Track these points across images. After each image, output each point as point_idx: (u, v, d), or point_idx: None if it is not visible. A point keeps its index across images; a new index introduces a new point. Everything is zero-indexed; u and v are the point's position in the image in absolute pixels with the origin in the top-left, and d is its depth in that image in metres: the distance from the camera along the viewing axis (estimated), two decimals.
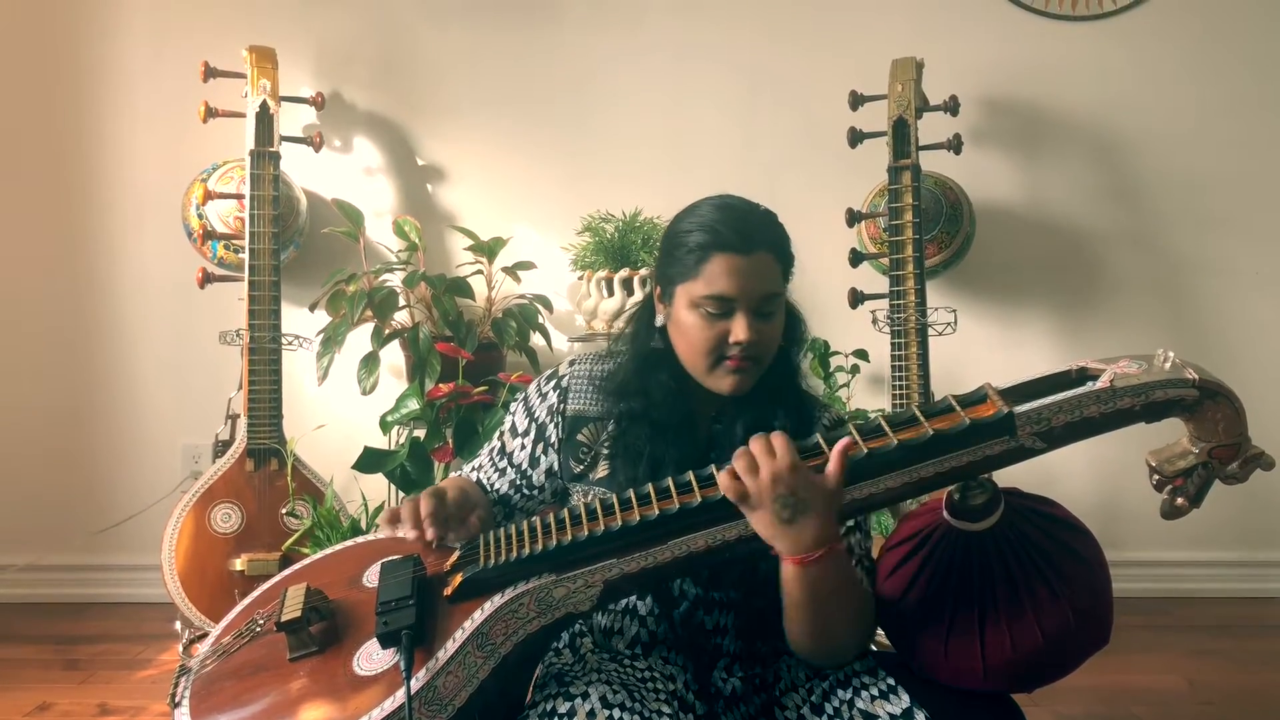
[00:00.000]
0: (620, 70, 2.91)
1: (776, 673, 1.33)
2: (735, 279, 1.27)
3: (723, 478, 1.13)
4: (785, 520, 1.11)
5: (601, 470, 1.39)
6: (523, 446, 1.46)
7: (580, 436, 1.42)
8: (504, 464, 1.47)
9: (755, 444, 1.14)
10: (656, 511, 1.16)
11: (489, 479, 1.49)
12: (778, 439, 1.13)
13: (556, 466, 1.44)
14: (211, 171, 2.71)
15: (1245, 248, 2.92)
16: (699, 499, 1.16)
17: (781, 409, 1.36)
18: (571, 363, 1.48)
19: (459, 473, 1.57)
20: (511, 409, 1.50)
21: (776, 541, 1.13)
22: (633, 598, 1.34)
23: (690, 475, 1.19)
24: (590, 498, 1.25)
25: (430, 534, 1.30)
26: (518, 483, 1.46)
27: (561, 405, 1.44)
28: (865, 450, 1.13)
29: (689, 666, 1.34)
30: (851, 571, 1.25)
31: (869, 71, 2.63)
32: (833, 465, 1.12)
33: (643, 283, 2.54)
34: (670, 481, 1.19)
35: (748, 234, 1.29)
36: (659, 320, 1.39)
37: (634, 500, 1.19)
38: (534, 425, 1.45)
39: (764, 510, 1.12)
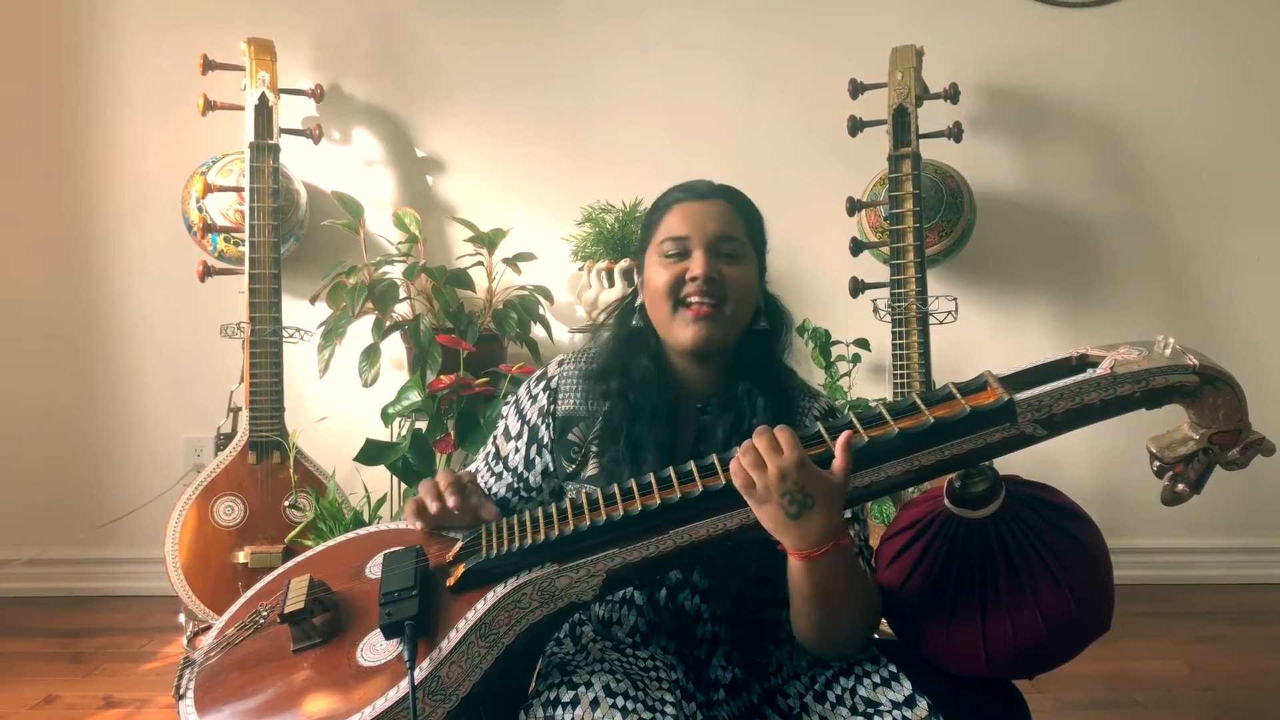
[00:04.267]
0: (620, 60, 2.90)
1: (778, 661, 1.34)
2: (689, 219, 1.36)
3: (732, 468, 1.13)
4: (792, 515, 1.11)
5: (592, 468, 1.39)
6: (516, 450, 1.46)
7: (571, 436, 1.42)
8: (500, 468, 1.48)
9: (760, 439, 1.13)
10: (658, 500, 1.17)
11: (486, 484, 1.48)
12: (783, 434, 1.13)
13: (550, 466, 1.44)
14: (211, 164, 2.71)
15: (1246, 233, 2.92)
16: (700, 489, 1.16)
17: (764, 400, 1.36)
18: (560, 362, 1.48)
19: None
20: (504, 412, 1.50)
21: (783, 536, 1.13)
22: (629, 588, 1.35)
23: (692, 465, 1.19)
24: (582, 493, 1.25)
25: (452, 501, 1.30)
26: (515, 485, 1.46)
27: (552, 406, 1.44)
28: (866, 439, 1.13)
29: (686, 658, 1.34)
30: (856, 564, 1.25)
31: (869, 60, 2.62)
32: (839, 461, 1.12)
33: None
34: (672, 470, 1.19)
35: (704, 188, 1.40)
36: (639, 300, 1.43)
37: (635, 489, 1.19)
38: (526, 428, 1.46)
39: (771, 505, 1.12)
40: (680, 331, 1.34)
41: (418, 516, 1.35)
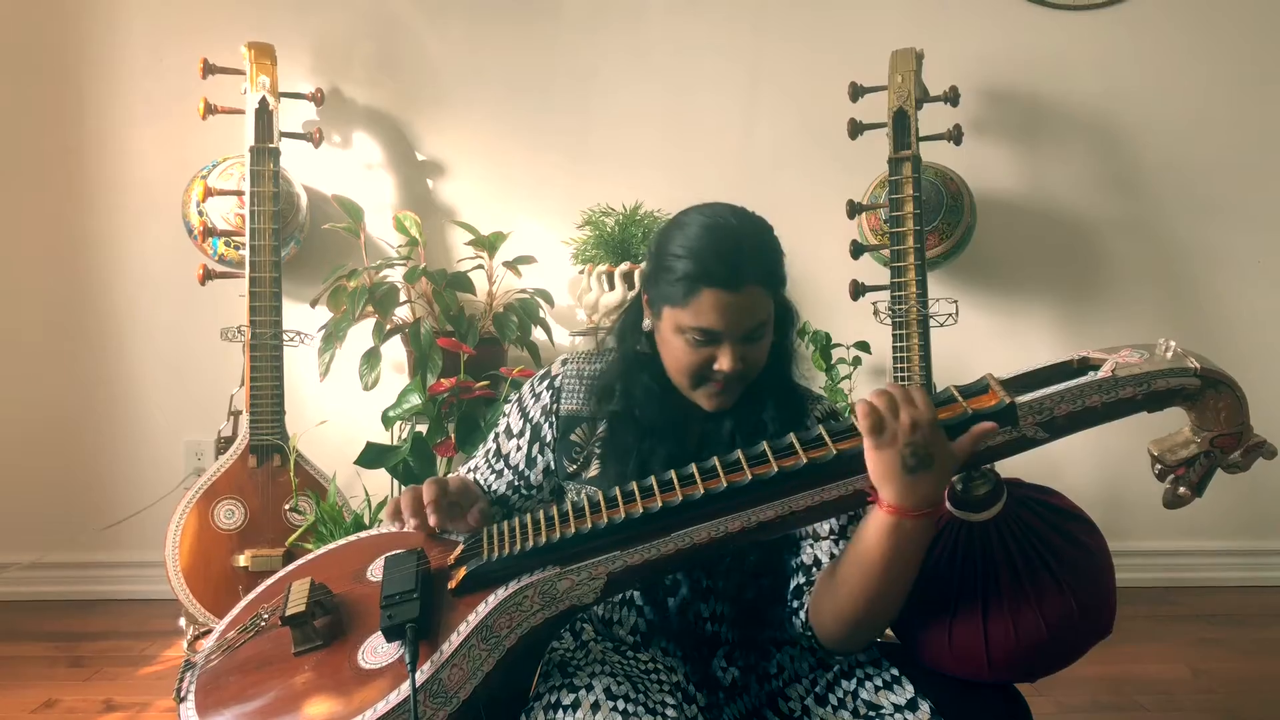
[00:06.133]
0: (620, 64, 2.90)
1: (779, 664, 1.33)
2: (723, 315, 1.24)
3: (861, 404, 1.11)
4: (909, 468, 1.09)
5: (594, 470, 1.39)
6: (518, 448, 1.46)
7: (573, 436, 1.42)
8: (500, 465, 1.47)
9: (896, 389, 1.12)
10: (660, 503, 1.16)
11: (486, 480, 1.48)
12: (918, 392, 1.12)
13: (552, 465, 1.44)
14: (212, 168, 2.71)
15: (1247, 236, 2.92)
16: (702, 490, 1.16)
17: (772, 404, 1.35)
18: (564, 361, 1.47)
19: (455, 473, 1.57)
20: (505, 410, 1.50)
21: (888, 485, 1.11)
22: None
23: (693, 467, 1.19)
24: (584, 495, 1.25)
25: (433, 520, 1.30)
26: (515, 483, 1.46)
27: (555, 405, 1.44)
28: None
29: (689, 657, 1.34)
30: (927, 547, 1.21)
31: (869, 63, 2.63)
32: (969, 439, 1.11)
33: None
34: (674, 474, 1.19)
35: (738, 267, 1.24)
36: (646, 324, 1.37)
37: (637, 492, 1.19)
38: (529, 426, 1.45)
39: (892, 451, 1.09)
40: (701, 399, 1.32)
41: (394, 519, 1.35)
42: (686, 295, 1.25)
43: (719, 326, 1.25)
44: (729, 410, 1.35)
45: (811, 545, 1.30)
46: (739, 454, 1.18)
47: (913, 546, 1.14)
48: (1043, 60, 2.88)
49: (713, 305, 1.24)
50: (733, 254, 1.25)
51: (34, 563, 2.90)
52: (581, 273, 2.68)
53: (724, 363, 1.26)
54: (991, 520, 1.23)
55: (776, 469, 1.15)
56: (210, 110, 2.62)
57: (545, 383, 1.46)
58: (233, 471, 2.51)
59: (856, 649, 1.27)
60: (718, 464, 1.18)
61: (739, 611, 1.35)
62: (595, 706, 1.14)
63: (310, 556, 1.40)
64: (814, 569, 1.29)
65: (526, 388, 1.48)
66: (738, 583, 1.33)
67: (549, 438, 1.43)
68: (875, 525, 1.14)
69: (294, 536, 2.45)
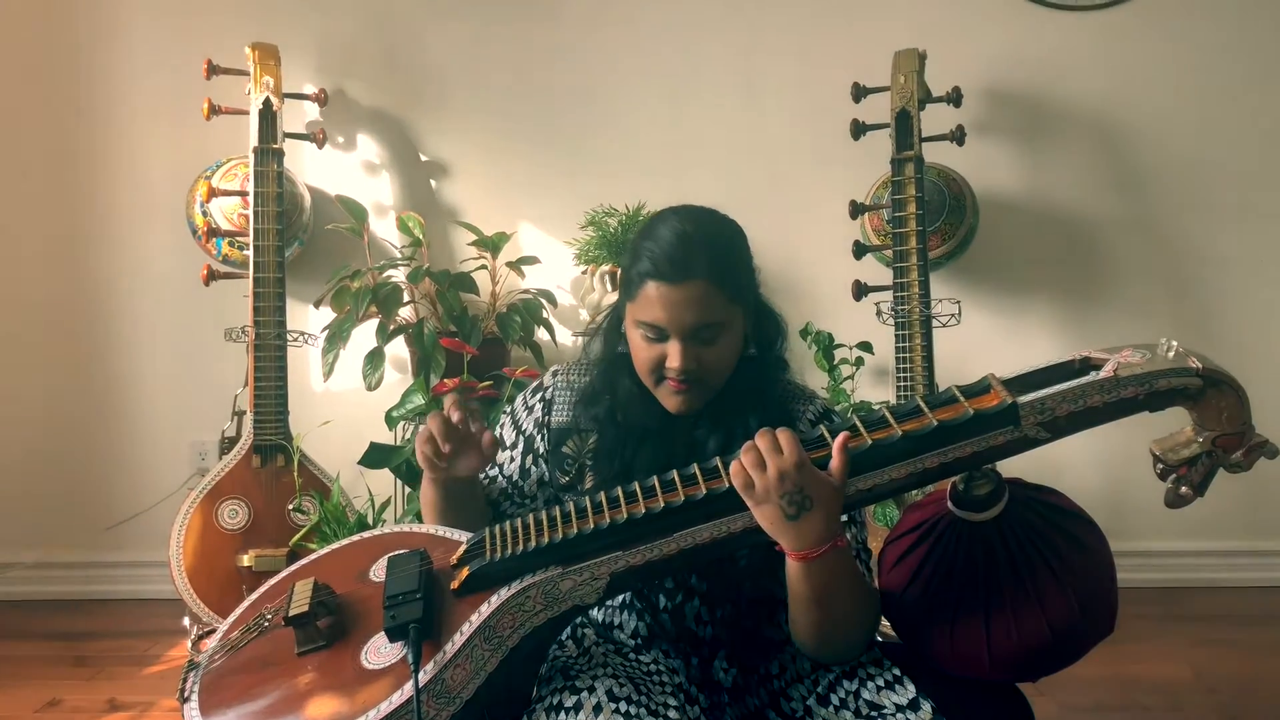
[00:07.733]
0: (622, 65, 2.91)
1: (781, 664, 1.34)
2: (664, 309, 1.27)
3: (732, 469, 1.13)
4: (790, 516, 1.12)
5: (587, 481, 1.40)
6: (512, 459, 1.47)
7: (565, 449, 1.42)
8: (494, 472, 1.48)
9: (762, 440, 1.13)
10: (662, 504, 1.17)
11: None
12: (784, 435, 1.13)
13: (545, 476, 1.45)
14: (215, 169, 2.72)
15: (1249, 237, 2.91)
16: (704, 491, 1.16)
17: (755, 413, 1.34)
18: (554, 373, 1.48)
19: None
20: (500, 422, 1.51)
21: (781, 537, 1.13)
22: (628, 592, 1.35)
23: (695, 468, 1.19)
24: (586, 497, 1.25)
25: (456, 416, 1.31)
26: (509, 491, 1.47)
27: (546, 417, 1.45)
28: (870, 441, 1.13)
29: (689, 660, 1.34)
30: (855, 566, 1.25)
31: (871, 63, 2.63)
32: (836, 461, 1.13)
33: None
34: (675, 474, 1.19)
35: (685, 263, 1.26)
36: (623, 328, 1.39)
37: (639, 493, 1.19)
38: (522, 438, 1.47)
39: (769, 506, 1.12)
40: (663, 399, 1.34)
41: (427, 444, 1.33)
42: (637, 288, 1.29)
43: (661, 320, 1.27)
44: (714, 422, 1.36)
45: None
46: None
47: (834, 579, 1.16)
48: (1045, 61, 2.88)
49: (655, 298, 1.27)
50: (677, 248, 1.27)
51: (38, 562, 2.91)
52: (584, 273, 2.68)
53: (672, 360, 1.28)
54: (993, 520, 1.23)
55: None
56: (214, 111, 2.63)
57: (537, 396, 1.47)
58: (236, 472, 2.52)
59: (840, 661, 1.28)
60: (719, 464, 1.18)
61: (736, 626, 1.35)
62: (597, 708, 1.14)
63: (313, 556, 1.40)
64: None
65: (519, 400, 1.49)
66: (734, 609, 1.34)
67: (541, 449, 1.44)
68: (790, 571, 1.17)
69: (297, 536, 2.45)
